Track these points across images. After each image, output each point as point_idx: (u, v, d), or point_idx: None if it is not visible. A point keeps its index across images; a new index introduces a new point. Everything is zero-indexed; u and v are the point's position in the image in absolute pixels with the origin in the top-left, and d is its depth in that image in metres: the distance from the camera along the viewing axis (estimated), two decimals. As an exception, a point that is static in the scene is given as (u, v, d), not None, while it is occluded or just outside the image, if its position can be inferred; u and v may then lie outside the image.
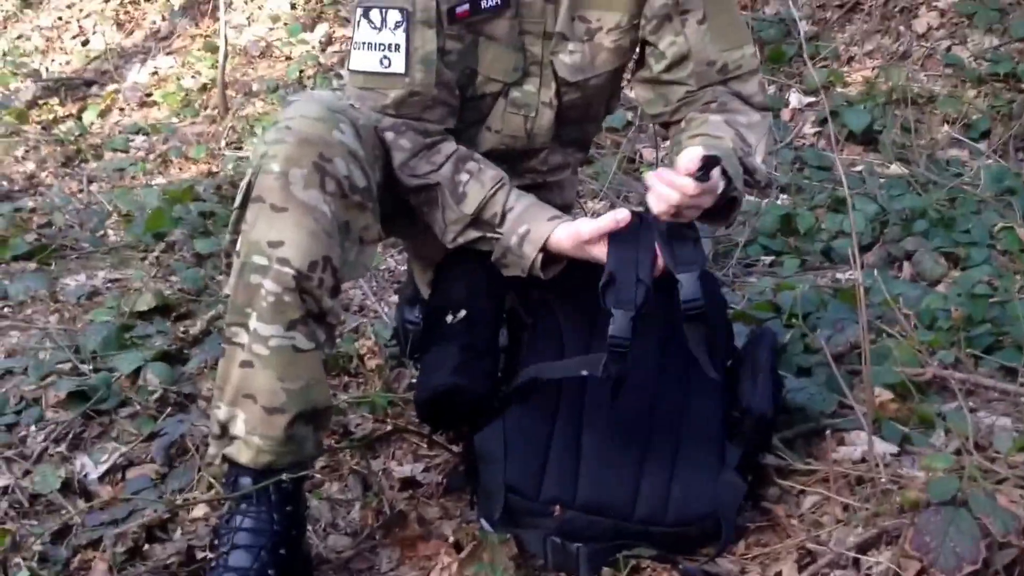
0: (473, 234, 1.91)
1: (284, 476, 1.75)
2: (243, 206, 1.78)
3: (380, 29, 1.86)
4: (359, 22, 1.89)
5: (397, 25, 1.86)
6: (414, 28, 1.86)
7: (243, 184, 1.79)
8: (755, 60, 2.03)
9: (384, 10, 1.86)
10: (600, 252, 1.82)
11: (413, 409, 2.26)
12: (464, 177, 1.91)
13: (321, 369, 1.80)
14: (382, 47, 1.87)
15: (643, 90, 2.06)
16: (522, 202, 1.90)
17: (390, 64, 1.87)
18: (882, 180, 3.43)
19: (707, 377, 1.85)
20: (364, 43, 1.88)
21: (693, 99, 2.00)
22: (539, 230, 1.86)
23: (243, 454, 1.75)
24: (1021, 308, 2.34)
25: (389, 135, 1.89)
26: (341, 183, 1.75)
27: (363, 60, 1.89)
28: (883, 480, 1.80)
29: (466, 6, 1.89)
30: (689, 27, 1.96)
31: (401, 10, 1.86)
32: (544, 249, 1.86)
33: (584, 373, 1.83)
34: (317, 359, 1.78)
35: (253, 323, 1.72)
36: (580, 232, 1.83)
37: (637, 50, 2.06)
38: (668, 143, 2.11)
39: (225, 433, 1.77)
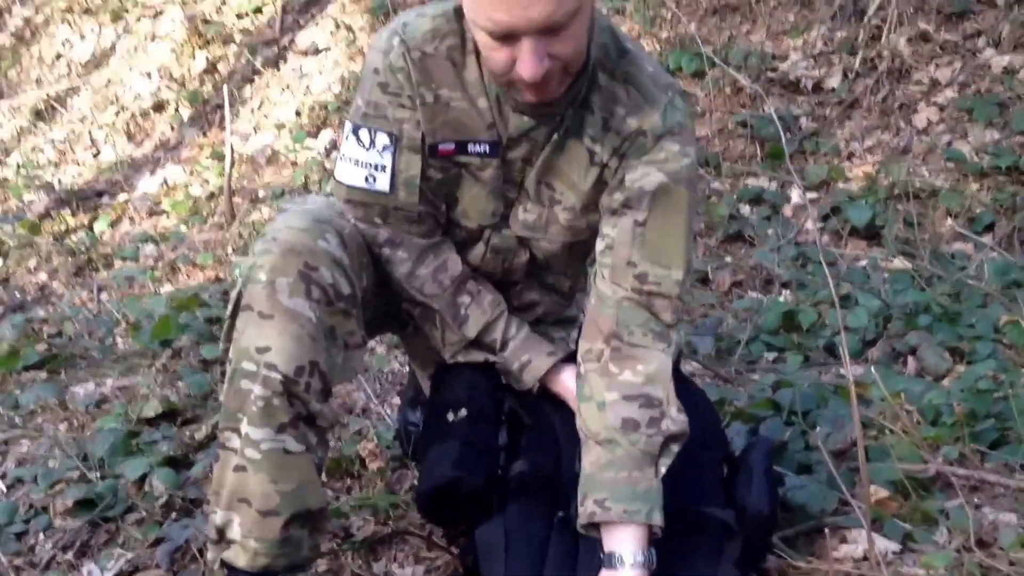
0: (474, 355, 1.99)
1: (282, 579, 1.76)
2: (234, 315, 1.82)
3: (368, 149, 1.91)
4: (348, 137, 1.93)
5: (384, 148, 1.90)
6: (400, 152, 1.91)
7: (233, 294, 1.84)
8: (677, 288, 1.89)
9: (373, 131, 1.90)
10: None
11: (415, 511, 2.27)
12: (465, 299, 1.97)
13: (314, 471, 1.81)
14: (369, 165, 1.91)
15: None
16: (522, 331, 2.00)
17: (375, 182, 1.91)
18: (886, 275, 3.44)
19: (705, 481, 1.86)
20: (351, 158, 1.92)
21: (600, 304, 1.92)
22: (539, 363, 1.98)
23: (240, 558, 1.76)
24: (1027, 402, 2.35)
25: (386, 250, 1.94)
26: (326, 290, 1.79)
27: (349, 174, 1.93)
28: (884, 578, 1.79)
29: (451, 146, 1.92)
30: (623, 222, 1.89)
31: (389, 135, 1.90)
32: (542, 383, 1.97)
33: None
34: (309, 461, 1.79)
35: (244, 427, 1.75)
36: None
37: None
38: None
39: (222, 538, 1.78)
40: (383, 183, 1.91)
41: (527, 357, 1.97)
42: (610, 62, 1.90)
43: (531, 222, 2.00)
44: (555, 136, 1.91)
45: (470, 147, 1.92)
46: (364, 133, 1.91)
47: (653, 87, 1.92)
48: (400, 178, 1.91)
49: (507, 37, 1.68)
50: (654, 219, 1.89)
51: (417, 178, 1.91)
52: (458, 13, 1.89)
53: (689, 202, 1.92)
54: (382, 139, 1.90)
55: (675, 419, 1.85)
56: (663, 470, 1.83)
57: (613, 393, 1.86)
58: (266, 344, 1.74)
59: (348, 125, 1.94)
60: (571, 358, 1.99)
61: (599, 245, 1.95)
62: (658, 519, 1.79)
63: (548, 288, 2.16)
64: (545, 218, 2.00)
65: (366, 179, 1.91)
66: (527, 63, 1.69)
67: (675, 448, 1.85)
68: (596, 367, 1.90)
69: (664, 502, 1.80)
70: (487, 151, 1.92)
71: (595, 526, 1.81)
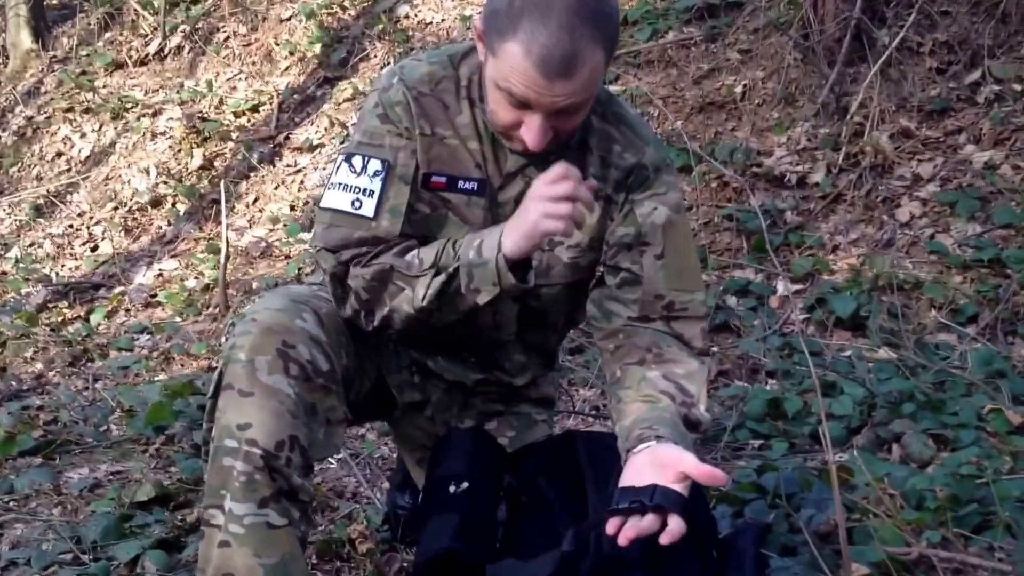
0: (439, 280, 1.90)
1: (270, 659, 1.77)
2: (215, 395, 1.86)
3: (359, 174, 1.95)
4: (340, 166, 1.98)
5: (376, 174, 1.95)
6: (391, 180, 1.96)
7: (215, 375, 1.88)
8: (702, 308, 2.04)
9: (367, 158, 1.96)
10: (551, 225, 1.82)
11: (405, 593, 2.28)
12: (413, 252, 1.93)
13: (297, 545, 1.83)
14: (357, 190, 1.95)
15: (592, 306, 2.09)
16: (467, 236, 1.93)
17: (360, 206, 1.94)
18: (870, 364, 3.47)
19: (697, 566, 1.88)
20: (340, 184, 1.96)
21: (632, 332, 2.01)
22: (491, 236, 1.88)
23: (227, 636, 1.77)
24: (1009, 488, 2.37)
25: (353, 270, 1.94)
26: (304, 367, 1.83)
27: (335, 199, 1.96)
28: (867, 659, 1.81)
29: (443, 179, 1.99)
30: (646, 259, 2.00)
31: (383, 161, 1.95)
32: (500, 249, 1.87)
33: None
34: (292, 535, 1.81)
35: (228, 503, 1.78)
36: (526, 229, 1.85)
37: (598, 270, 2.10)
38: (607, 382, 2.10)
39: (210, 615, 1.80)
40: (368, 208, 1.94)
41: (478, 240, 1.89)
42: (600, 105, 2.02)
43: (533, 267, 2.05)
44: None
45: (460, 183, 1.99)
46: (357, 159, 1.96)
47: (640, 125, 2.06)
48: (386, 205, 1.95)
49: (521, 106, 1.78)
50: (670, 251, 2.01)
51: (403, 207, 1.95)
52: (453, 60, 2.00)
53: (688, 227, 2.08)
54: (374, 165, 1.95)
55: (702, 415, 1.94)
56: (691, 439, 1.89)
57: (654, 372, 1.95)
58: (246, 421, 1.78)
59: (340, 156, 2.00)
60: (541, 452, 2.04)
61: (615, 279, 2.03)
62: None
63: (534, 348, 2.22)
64: (546, 262, 2.06)
65: (352, 203, 1.94)
66: (532, 135, 1.80)
67: (694, 436, 1.92)
68: (636, 366, 1.98)
69: None
70: (475, 189, 1.99)
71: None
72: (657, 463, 1.75)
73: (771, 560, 2.14)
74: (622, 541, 1.71)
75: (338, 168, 1.98)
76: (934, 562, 2.11)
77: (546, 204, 1.81)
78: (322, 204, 2.00)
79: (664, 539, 1.68)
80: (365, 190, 1.95)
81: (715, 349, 3.85)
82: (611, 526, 1.74)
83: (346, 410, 1.95)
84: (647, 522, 1.70)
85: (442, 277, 1.90)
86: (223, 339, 4.86)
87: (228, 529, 1.77)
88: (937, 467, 2.65)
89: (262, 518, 1.78)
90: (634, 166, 2.03)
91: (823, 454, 2.91)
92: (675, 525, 1.69)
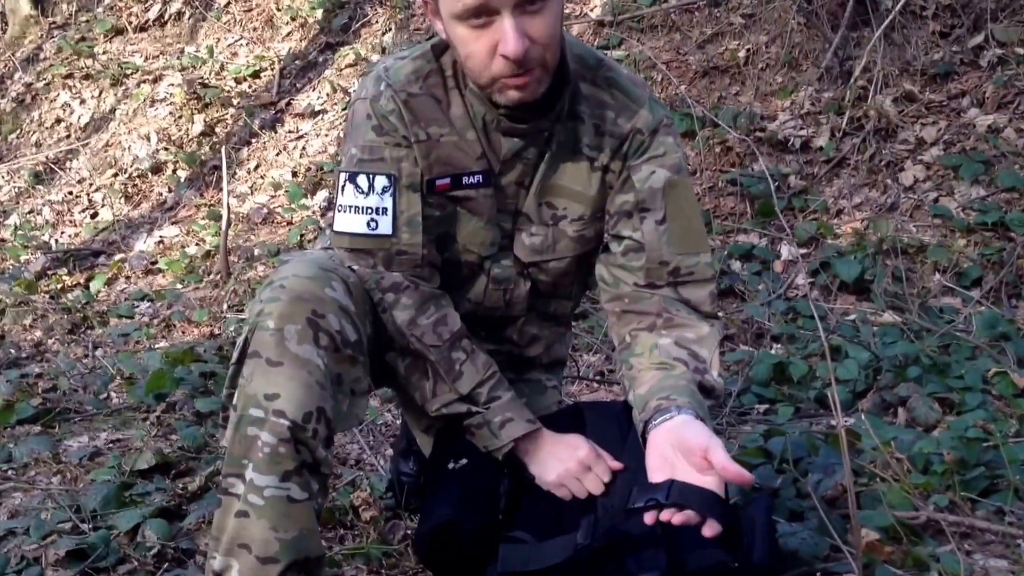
0: (459, 408, 1.98)
1: (277, 626, 1.76)
2: (239, 362, 1.83)
3: (367, 194, 1.94)
4: (344, 187, 1.96)
5: (384, 190, 1.93)
6: (400, 193, 1.94)
7: (240, 341, 1.84)
8: (709, 269, 2.01)
9: (371, 176, 1.94)
10: (561, 492, 1.94)
11: (408, 560, 2.27)
12: (460, 356, 1.98)
13: (314, 519, 1.81)
14: (369, 210, 1.94)
15: (601, 268, 2.07)
16: (509, 394, 2.00)
17: (377, 226, 1.94)
18: (875, 328, 3.46)
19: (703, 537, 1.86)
20: (350, 207, 1.95)
21: (638, 298, 2.00)
22: (520, 424, 1.97)
23: (237, 604, 1.76)
24: (1016, 451, 2.36)
25: (390, 296, 1.95)
26: (334, 337, 1.80)
27: (349, 223, 1.95)
28: (876, 622, 1.80)
29: (447, 180, 1.97)
30: (647, 225, 1.98)
31: (388, 176, 1.94)
32: (514, 445, 1.97)
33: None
34: (310, 509, 1.79)
35: (249, 474, 1.75)
36: (544, 474, 1.97)
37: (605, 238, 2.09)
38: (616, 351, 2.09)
39: (220, 583, 1.78)
40: (386, 226, 1.94)
41: (509, 415, 1.97)
42: (589, 71, 1.99)
43: (538, 244, 2.04)
44: (548, 154, 1.96)
45: (464, 179, 1.97)
46: (362, 179, 1.94)
47: (633, 87, 2.02)
48: (402, 219, 1.94)
49: (485, 14, 1.74)
50: (672, 214, 1.97)
51: (419, 216, 1.95)
52: (436, 50, 1.97)
53: (691, 188, 2.04)
54: (381, 181, 1.93)
55: (716, 380, 1.92)
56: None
57: (666, 339, 1.94)
58: (275, 391, 1.75)
59: (343, 176, 1.97)
60: (548, 426, 2.01)
61: (619, 247, 2.01)
62: (712, 427, 1.80)
63: (549, 318, 2.21)
64: (552, 237, 2.05)
65: (368, 224, 1.94)
66: (508, 39, 1.75)
67: (708, 403, 1.90)
68: (646, 332, 1.97)
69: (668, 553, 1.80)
70: (480, 181, 1.97)
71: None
72: (683, 447, 1.73)
73: (779, 525, 2.12)
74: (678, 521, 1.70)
75: (343, 189, 1.96)
76: (943, 526, 2.10)
77: (572, 483, 1.94)
78: (336, 228, 1.98)
79: (707, 532, 1.68)
80: (378, 209, 1.94)
81: (720, 314, 3.82)
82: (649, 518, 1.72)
83: (370, 381, 1.94)
84: (664, 516, 1.70)
85: (461, 409, 1.98)
86: (224, 306, 4.85)
87: (247, 499, 1.75)
88: (943, 431, 2.64)
89: (283, 491, 1.75)
90: (629, 131, 2.00)
91: (829, 418, 2.90)
92: (710, 528, 1.68)
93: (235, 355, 1.85)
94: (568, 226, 2.05)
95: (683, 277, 1.99)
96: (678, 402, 1.80)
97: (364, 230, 1.94)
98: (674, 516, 1.68)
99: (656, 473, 1.73)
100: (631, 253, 2.00)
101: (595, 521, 1.85)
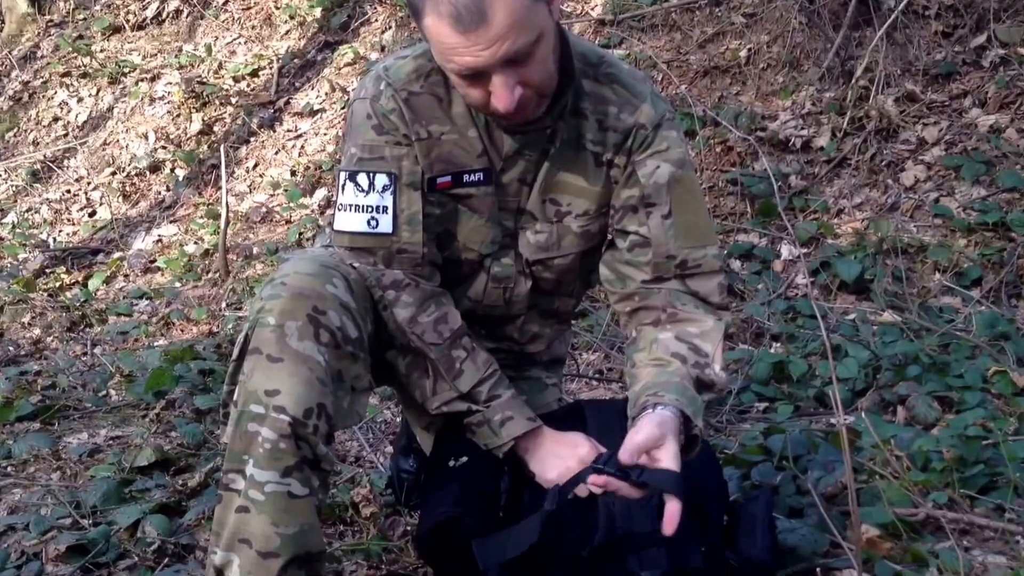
0: (459, 406, 1.98)
1: (278, 621, 1.76)
2: (240, 358, 1.83)
3: (368, 192, 1.93)
4: (344, 186, 1.96)
5: (384, 188, 1.93)
6: (401, 191, 1.94)
7: (240, 337, 1.84)
8: (717, 261, 2.01)
9: (372, 175, 1.93)
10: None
11: (408, 556, 2.27)
12: (461, 354, 1.97)
13: (315, 515, 1.81)
14: (369, 209, 1.93)
15: (605, 268, 2.07)
16: (509, 392, 1.99)
17: (377, 225, 1.93)
18: (875, 328, 3.46)
19: (709, 531, 1.87)
20: (350, 206, 1.95)
21: (647, 294, 2.00)
22: (520, 423, 1.96)
23: (238, 599, 1.76)
24: (1016, 449, 2.37)
25: (391, 293, 1.95)
26: (335, 334, 1.80)
27: (350, 221, 1.95)
28: (876, 617, 1.80)
29: (448, 178, 1.97)
30: (653, 220, 1.97)
31: (389, 174, 1.93)
32: (515, 443, 1.96)
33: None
34: (311, 505, 1.79)
35: (250, 469, 1.75)
36: (544, 472, 1.95)
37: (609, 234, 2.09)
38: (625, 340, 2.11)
39: (221, 578, 1.78)
40: (386, 224, 1.93)
41: (510, 413, 1.97)
42: (591, 67, 1.98)
43: (543, 242, 2.04)
44: (551, 150, 1.96)
45: (465, 177, 1.97)
46: (362, 177, 1.94)
47: (635, 82, 2.02)
48: (402, 217, 1.94)
49: (477, 76, 1.74)
50: (677, 208, 1.97)
51: (419, 215, 1.94)
52: None
53: (695, 181, 2.04)
54: (381, 180, 1.93)
55: (717, 374, 1.93)
56: (703, 399, 1.89)
57: (666, 333, 1.95)
58: (275, 387, 1.75)
59: (343, 175, 1.96)
60: (549, 424, 2.00)
61: (624, 242, 2.01)
62: (700, 424, 1.84)
63: (551, 316, 2.21)
64: (557, 233, 2.05)
65: (368, 223, 1.93)
66: (500, 97, 1.75)
67: (708, 396, 1.92)
68: (651, 327, 1.98)
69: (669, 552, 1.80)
70: (481, 178, 1.97)
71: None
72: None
73: (779, 522, 2.12)
74: (601, 483, 1.75)
75: (343, 188, 1.96)
76: (942, 522, 2.11)
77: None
78: (336, 227, 1.98)
79: (667, 529, 1.70)
80: (378, 207, 1.93)
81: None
82: (593, 479, 1.76)
83: (371, 378, 1.93)
84: (625, 488, 1.74)
85: (461, 407, 1.98)
86: (223, 304, 4.85)
87: (248, 495, 1.75)
88: (943, 429, 2.65)
89: (284, 487, 1.75)
90: (632, 127, 1.99)
91: (828, 416, 2.90)
92: (672, 509, 1.70)
93: (235, 351, 1.85)
94: (573, 222, 2.04)
95: (691, 270, 1.99)
96: (664, 399, 1.81)
97: (364, 228, 1.94)
98: (610, 483, 1.74)
99: (623, 456, 1.75)
100: (637, 248, 2.00)
101: (561, 490, 1.85)
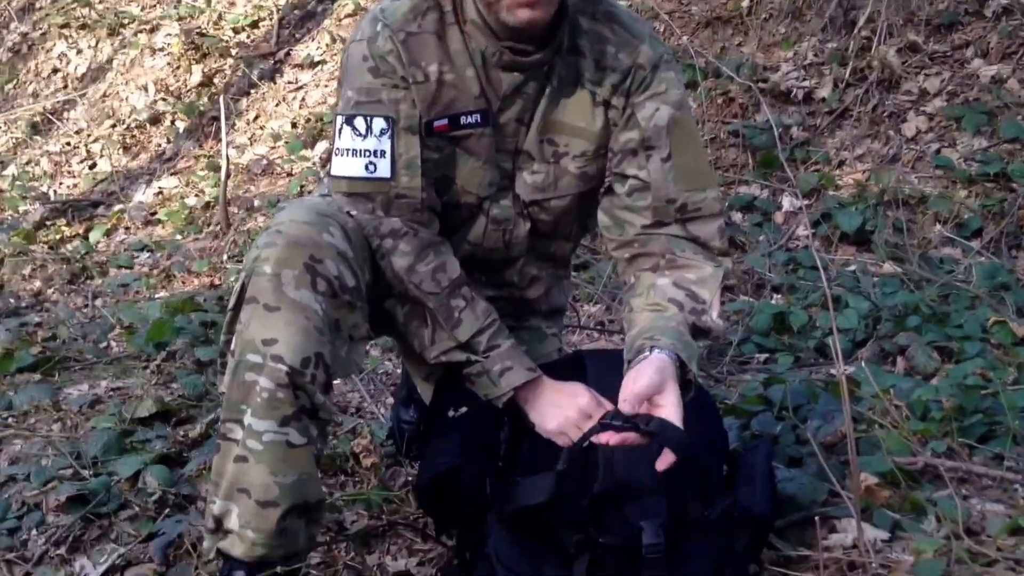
0: (458, 356, 1.97)
1: (278, 569, 1.77)
2: (237, 308, 1.83)
3: (365, 136, 1.91)
4: (341, 130, 1.93)
5: (382, 132, 1.91)
6: (398, 135, 1.92)
7: (236, 286, 1.84)
8: (717, 204, 2.01)
9: (369, 118, 1.91)
10: (561, 440, 1.93)
11: (408, 506, 2.28)
12: (460, 303, 1.96)
13: (313, 464, 1.82)
14: (367, 153, 1.91)
15: (604, 215, 2.06)
16: (508, 342, 1.98)
17: (376, 169, 1.91)
18: (875, 279, 3.46)
19: (708, 480, 1.87)
20: (347, 150, 1.92)
21: (646, 240, 2.00)
22: (519, 373, 1.95)
23: (237, 547, 1.77)
24: (1015, 398, 2.37)
25: (388, 241, 1.93)
26: (331, 283, 1.80)
27: (347, 166, 1.93)
28: (873, 565, 1.81)
29: (445, 121, 1.95)
30: (653, 163, 1.96)
31: (386, 118, 1.91)
32: (515, 394, 1.95)
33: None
34: (310, 454, 1.80)
35: (248, 419, 1.76)
36: (544, 423, 1.95)
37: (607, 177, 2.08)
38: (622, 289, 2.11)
39: (219, 527, 1.80)
40: (384, 169, 1.91)
41: (509, 363, 1.95)
42: (588, 5, 1.98)
43: (540, 182, 2.03)
44: (548, 88, 1.95)
45: (462, 119, 1.95)
46: (359, 121, 1.91)
47: (633, 22, 2.01)
48: (401, 161, 1.92)
49: None
50: (677, 151, 1.97)
51: (418, 159, 1.92)
52: None
53: (694, 124, 2.05)
54: (379, 124, 1.91)
55: (714, 320, 1.93)
56: (699, 346, 1.90)
57: (664, 279, 1.95)
58: (272, 336, 1.75)
59: (339, 119, 1.94)
60: (549, 374, 2.00)
61: (623, 187, 2.01)
62: (695, 370, 1.83)
63: (548, 259, 2.20)
64: (554, 174, 2.04)
65: (366, 167, 1.91)
66: None
67: (704, 343, 1.94)
68: (649, 272, 1.98)
69: (669, 501, 1.81)
70: (478, 120, 1.96)
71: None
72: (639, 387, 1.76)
73: (778, 471, 2.13)
74: (614, 442, 1.74)
75: (340, 132, 1.94)
76: (940, 471, 2.11)
77: (573, 431, 1.90)
78: (334, 172, 1.96)
79: (659, 466, 1.71)
80: (376, 151, 1.91)
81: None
82: (602, 437, 1.75)
83: (369, 327, 1.93)
84: (634, 438, 1.73)
85: (460, 357, 1.96)
86: (224, 257, 4.84)
87: (246, 444, 1.76)
88: (942, 378, 2.65)
89: (282, 436, 1.76)
90: (631, 67, 1.98)
91: (828, 367, 2.91)
92: (669, 457, 1.71)
93: (232, 301, 1.85)
94: (570, 163, 2.03)
95: (691, 213, 1.98)
96: (660, 343, 1.80)
97: (362, 173, 1.92)
98: (612, 438, 1.74)
99: (621, 404, 1.76)
100: (636, 193, 1.99)
101: (571, 451, 1.85)
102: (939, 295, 3.27)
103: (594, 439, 1.78)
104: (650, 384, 1.73)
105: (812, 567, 1.89)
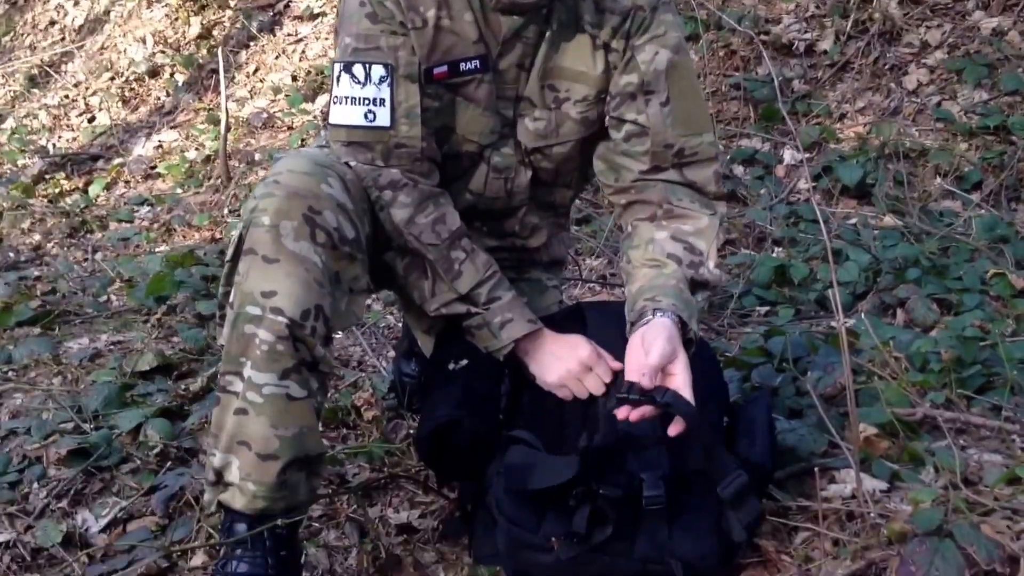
0: (459, 308, 1.96)
1: (279, 521, 1.77)
2: (235, 259, 1.81)
3: (364, 84, 1.89)
4: (339, 77, 1.91)
5: (381, 80, 1.89)
6: (398, 83, 1.90)
7: (234, 238, 1.82)
8: (713, 148, 2.01)
9: (368, 65, 1.89)
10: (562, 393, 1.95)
11: (410, 459, 2.29)
12: (460, 255, 1.95)
13: (314, 417, 1.81)
14: (367, 101, 1.89)
15: (600, 161, 2.06)
16: (509, 294, 1.97)
17: (375, 118, 1.89)
18: (876, 232, 3.46)
19: (708, 432, 1.88)
20: (346, 98, 1.90)
21: (643, 187, 1.99)
22: (520, 325, 1.95)
23: (237, 500, 1.77)
24: (1012, 349, 2.38)
25: (387, 193, 1.92)
26: (331, 234, 1.78)
27: (346, 114, 1.91)
28: (872, 515, 1.81)
29: (444, 68, 1.93)
30: (651, 107, 1.96)
31: (385, 65, 1.89)
32: (516, 345, 1.95)
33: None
34: (310, 407, 1.80)
35: (247, 372, 1.75)
36: (545, 375, 1.96)
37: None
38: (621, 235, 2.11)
39: (220, 480, 1.79)
40: (383, 117, 1.89)
41: (510, 315, 1.95)
42: None
43: (542, 129, 2.02)
44: (548, 33, 1.94)
45: (461, 66, 1.93)
46: (358, 68, 1.89)
47: None
48: (400, 110, 1.90)
49: None
50: (675, 95, 1.96)
51: (417, 108, 1.91)
52: None
53: (692, 67, 2.04)
54: (378, 71, 1.89)
55: (711, 271, 1.94)
56: (699, 300, 1.92)
57: (662, 232, 1.95)
58: (271, 288, 1.73)
59: (337, 66, 1.92)
60: (550, 326, 2.00)
61: (620, 132, 2.00)
62: (695, 328, 1.85)
63: (549, 207, 2.20)
64: (555, 120, 2.03)
65: (365, 116, 1.89)
66: None
67: (703, 295, 1.94)
68: (647, 223, 1.98)
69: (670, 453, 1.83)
70: (478, 66, 1.94)
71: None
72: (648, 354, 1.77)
73: (778, 422, 2.14)
74: (634, 418, 1.74)
75: (338, 80, 1.91)
76: (939, 422, 2.11)
77: (573, 383, 1.93)
78: (332, 121, 1.94)
79: (671, 431, 1.74)
80: (375, 99, 1.89)
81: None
82: (621, 412, 1.75)
83: (368, 280, 1.92)
84: (650, 412, 1.74)
85: (461, 309, 1.95)
86: (224, 211, 4.83)
87: (246, 397, 1.75)
88: (941, 330, 2.66)
89: (282, 389, 1.75)
90: (630, 8, 1.96)
91: (828, 319, 2.91)
92: (679, 424, 1.74)
93: (230, 252, 1.83)
94: (572, 108, 2.02)
95: (687, 158, 1.98)
96: (662, 304, 1.81)
97: (362, 122, 1.90)
98: (632, 413, 1.74)
99: (633, 374, 1.76)
100: (634, 138, 1.98)
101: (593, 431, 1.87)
102: (939, 248, 3.27)
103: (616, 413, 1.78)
104: (662, 355, 1.74)
105: (811, 517, 1.90)
